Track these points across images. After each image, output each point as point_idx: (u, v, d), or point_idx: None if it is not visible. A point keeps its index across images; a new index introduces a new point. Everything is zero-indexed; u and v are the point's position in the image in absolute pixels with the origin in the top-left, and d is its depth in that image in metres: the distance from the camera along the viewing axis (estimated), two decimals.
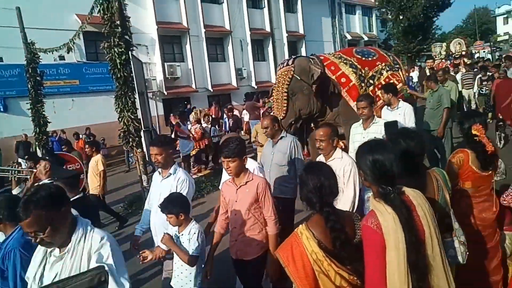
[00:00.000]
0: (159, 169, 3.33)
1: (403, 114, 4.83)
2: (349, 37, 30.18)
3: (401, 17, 30.39)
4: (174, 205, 2.77)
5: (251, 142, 8.72)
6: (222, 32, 20.06)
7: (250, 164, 3.48)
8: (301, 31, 23.95)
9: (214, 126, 11.21)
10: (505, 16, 61.51)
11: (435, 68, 12.07)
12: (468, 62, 14.76)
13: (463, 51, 17.67)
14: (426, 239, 1.74)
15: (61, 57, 13.18)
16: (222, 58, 20.70)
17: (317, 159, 8.29)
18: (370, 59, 6.76)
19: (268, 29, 22.19)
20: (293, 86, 5.83)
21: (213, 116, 14.44)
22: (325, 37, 26.69)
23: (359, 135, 4.18)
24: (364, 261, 1.76)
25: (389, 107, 5.11)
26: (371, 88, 6.57)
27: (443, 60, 16.38)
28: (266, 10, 22.02)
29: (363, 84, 6.31)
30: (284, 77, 5.85)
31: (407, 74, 10.75)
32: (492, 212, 2.94)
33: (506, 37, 47.64)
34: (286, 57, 19.45)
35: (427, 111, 6.39)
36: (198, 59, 18.82)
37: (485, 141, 2.75)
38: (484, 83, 10.44)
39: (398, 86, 6.34)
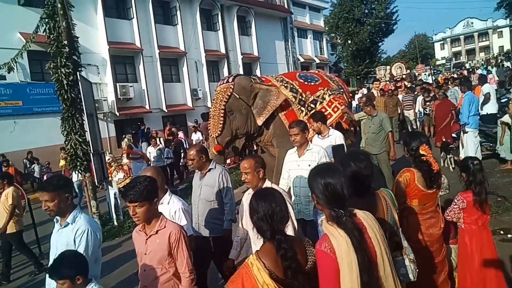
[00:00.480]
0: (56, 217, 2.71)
1: (334, 142, 4.73)
2: (302, 60, 31.30)
3: (349, 42, 32.23)
4: (66, 267, 2.11)
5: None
6: (176, 53, 19.98)
7: (175, 204, 3.17)
8: (256, 53, 24.47)
9: (168, 148, 10.98)
10: (442, 42, 67.37)
11: (383, 89, 12.74)
12: (408, 85, 15.60)
13: (404, 74, 18.82)
14: (378, 260, 1.76)
15: (2, 77, 12.39)
16: (177, 78, 20.54)
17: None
18: (312, 83, 6.73)
19: (223, 50, 22.45)
20: (232, 104, 5.70)
21: (167, 136, 14.20)
22: (279, 60, 27.45)
23: (293, 163, 4.01)
24: (319, 286, 1.74)
25: (319, 136, 4.98)
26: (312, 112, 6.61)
27: (388, 83, 17.25)
28: (221, 32, 22.32)
29: (303, 109, 6.25)
30: (223, 94, 5.72)
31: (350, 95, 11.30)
32: (439, 228, 3.07)
33: (443, 61, 51.83)
34: None
35: (368, 135, 6.36)
36: (152, 79, 18.51)
37: (432, 161, 2.89)
38: (428, 103, 11.09)
39: (340, 109, 6.41)
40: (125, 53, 17.85)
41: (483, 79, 10.02)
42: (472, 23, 64.10)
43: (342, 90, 7.01)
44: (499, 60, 32.69)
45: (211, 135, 5.93)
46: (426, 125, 11.31)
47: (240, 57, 23.35)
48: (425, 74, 27.21)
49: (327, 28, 34.19)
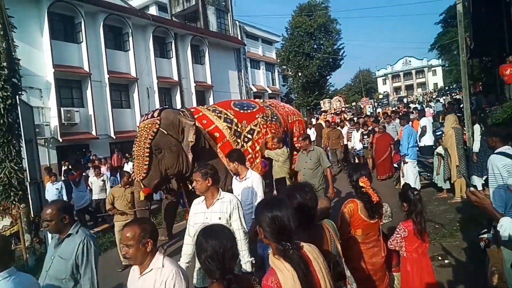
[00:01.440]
0: None
1: (251, 185, 4.07)
2: (254, 90, 31.98)
3: (299, 74, 33.62)
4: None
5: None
6: (127, 79, 19.56)
7: None
8: (209, 82, 24.64)
9: (115, 176, 10.48)
10: (383, 78, 72.44)
11: (330, 121, 13.24)
12: (347, 118, 16.22)
13: (343, 107, 19.81)
14: None
15: None
16: (127, 104, 20.00)
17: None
18: (249, 111, 6.35)
19: (176, 78, 22.36)
20: (159, 141, 5.14)
21: (115, 164, 13.61)
22: (232, 89, 27.83)
23: (200, 215, 3.19)
24: None
25: (237, 177, 4.21)
26: (249, 143, 6.09)
27: (333, 115, 18.02)
28: (174, 60, 22.29)
29: (239, 140, 5.89)
30: (148, 130, 5.11)
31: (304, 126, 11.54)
32: (381, 257, 3.18)
33: (385, 94, 55.54)
34: (195, 105, 19.75)
35: (305, 171, 5.77)
36: (100, 104, 17.84)
37: (371, 192, 3.03)
38: (365, 137, 11.30)
39: (267, 137, 6.12)
40: (72, 77, 17.13)
41: (421, 113, 10.78)
42: (410, 61, 69.98)
43: (275, 117, 6.73)
44: (434, 96, 35.66)
45: (135, 177, 5.27)
46: (368, 157, 11.37)
47: (193, 85, 23.36)
48: (369, 107, 28.88)
49: (278, 61, 35.54)
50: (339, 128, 12.66)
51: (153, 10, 29.33)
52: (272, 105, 7.60)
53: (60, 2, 16.36)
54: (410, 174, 7.84)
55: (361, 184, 3.05)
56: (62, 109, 15.88)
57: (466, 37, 17.28)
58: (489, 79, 18.34)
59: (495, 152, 3.43)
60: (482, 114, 10.41)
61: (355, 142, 11.85)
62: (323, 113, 14.80)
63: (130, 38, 19.52)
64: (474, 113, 10.72)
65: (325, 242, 2.35)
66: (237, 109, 6.25)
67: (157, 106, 20.76)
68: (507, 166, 3.20)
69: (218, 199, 3.18)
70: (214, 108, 6.15)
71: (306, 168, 5.63)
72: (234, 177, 4.31)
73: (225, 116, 5.99)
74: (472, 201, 2.15)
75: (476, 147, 7.15)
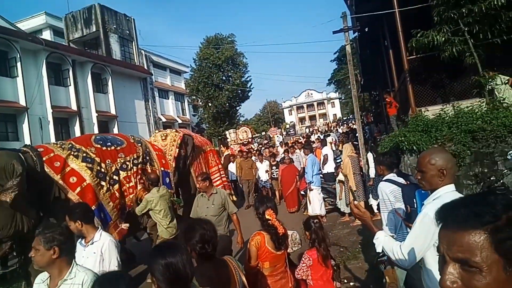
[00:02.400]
0: None
1: (100, 253, 2.92)
2: (164, 119, 31.16)
3: (209, 105, 33.90)
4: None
5: None
6: (15, 108, 17.41)
7: None
8: (113, 112, 23.26)
9: None
10: (289, 109, 77.14)
11: (241, 151, 13.24)
12: (255, 148, 16.14)
13: (249, 138, 19.96)
14: None
15: None
16: (15, 137, 17.70)
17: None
18: (113, 148, 5.51)
19: (74, 107, 20.63)
20: None
21: None
22: (139, 119, 26.69)
23: None
24: None
25: (82, 241, 3.05)
26: (116, 186, 5.21)
27: (240, 145, 18.06)
28: (72, 88, 20.61)
29: (103, 183, 4.98)
30: None
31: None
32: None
33: (292, 124, 59.04)
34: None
35: (207, 218, 5.07)
36: None
37: (277, 224, 3.03)
38: (274, 168, 11.17)
39: (132, 194, 5.30)
40: None
41: (323, 142, 11.52)
42: (311, 94, 76.01)
43: (147, 158, 5.85)
44: (334, 125, 38.93)
45: None
46: (277, 189, 11.09)
47: (95, 115, 21.79)
48: (277, 136, 30.19)
49: (188, 91, 35.45)
50: (252, 158, 12.36)
51: (47, 35, 27.10)
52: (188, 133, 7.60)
53: None
54: (315, 200, 8.20)
55: (267, 216, 3.06)
56: None
57: (356, 73, 19.38)
58: (377, 110, 20.71)
59: (382, 179, 3.72)
60: (373, 143, 11.57)
61: (261, 173, 11.63)
62: (229, 143, 14.76)
63: (18, 64, 17.54)
64: (368, 141, 11.85)
65: (231, 274, 2.31)
66: (99, 146, 5.32)
67: (52, 138, 18.82)
68: (393, 191, 3.46)
69: (65, 280, 2.19)
70: (70, 146, 5.03)
71: (208, 214, 4.56)
72: (78, 240, 3.01)
73: (84, 154, 4.99)
74: (355, 213, 2.23)
75: (372, 173, 7.83)
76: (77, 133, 20.41)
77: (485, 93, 7.04)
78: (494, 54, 7.27)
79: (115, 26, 25.96)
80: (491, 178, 6.04)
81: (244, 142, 18.67)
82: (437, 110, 7.54)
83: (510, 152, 6.16)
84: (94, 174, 4.89)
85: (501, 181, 5.92)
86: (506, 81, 6.96)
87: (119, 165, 5.27)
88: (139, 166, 5.51)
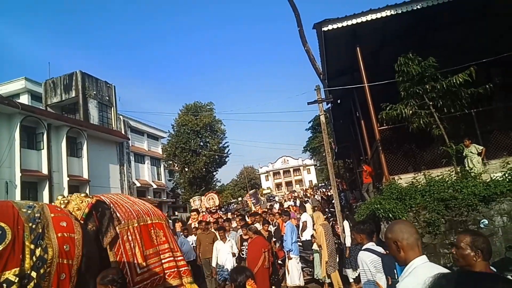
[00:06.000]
0: None
1: None
2: (138, 184, 30.50)
3: (186, 170, 33.74)
4: None
5: None
6: None
7: None
8: (86, 176, 22.62)
9: None
10: (266, 174, 77.57)
11: (203, 220, 11.44)
12: (224, 217, 13.24)
13: (216, 206, 18.16)
14: None
15: None
16: None
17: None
18: None
19: (45, 171, 19.98)
20: None
21: None
22: (112, 183, 25.99)
23: None
24: None
25: None
26: None
27: (205, 213, 16.13)
28: (44, 152, 20.14)
29: None
30: None
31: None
32: None
33: (268, 190, 58.91)
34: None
35: None
36: None
37: None
38: (245, 243, 8.29)
39: None
40: None
41: (302, 208, 11.37)
42: (288, 160, 77.28)
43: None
44: (312, 192, 38.99)
45: None
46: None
47: (66, 179, 21.08)
48: (254, 201, 29.71)
49: (165, 156, 35.36)
50: (213, 230, 9.34)
51: (25, 99, 27.15)
52: (113, 199, 5.76)
53: None
54: (294, 270, 7.88)
55: (248, 286, 2.88)
56: None
57: (331, 142, 20.04)
58: (352, 177, 21.09)
59: (362, 248, 3.65)
60: (348, 210, 11.58)
61: (222, 256, 8.42)
62: (192, 212, 12.86)
63: None
64: (344, 209, 11.87)
65: None
66: None
67: None
68: (374, 262, 3.39)
69: None
70: None
71: None
72: None
73: None
74: None
75: (348, 241, 7.69)
76: (46, 197, 19.56)
77: (453, 162, 7.36)
78: (458, 125, 7.78)
79: (95, 92, 26.35)
80: None
81: (212, 210, 16.93)
82: (409, 178, 7.76)
83: (482, 221, 6.29)
84: None
85: None
86: (480, 151, 7.35)
87: None
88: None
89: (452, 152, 7.19)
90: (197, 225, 10.64)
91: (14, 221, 3.60)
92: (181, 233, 10.00)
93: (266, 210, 15.20)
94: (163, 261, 6.13)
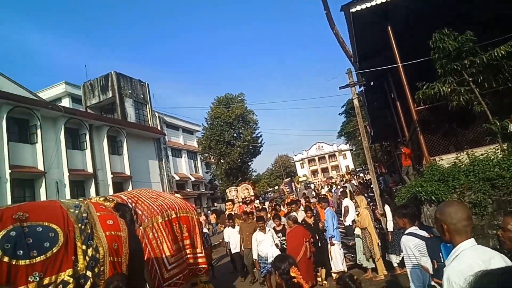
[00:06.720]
0: None
1: None
2: (177, 178, 31.40)
3: (222, 161, 34.24)
4: None
5: None
6: (33, 173, 17.83)
7: None
8: (128, 172, 23.60)
9: None
10: (301, 162, 77.14)
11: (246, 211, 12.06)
12: (259, 207, 14.32)
13: (252, 196, 18.44)
14: None
15: None
16: (32, 201, 17.92)
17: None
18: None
19: (90, 170, 21.05)
20: None
21: None
22: (153, 178, 26.93)
23: None
24: None
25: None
26: None
27: (241, 204, 16.11)
28: (88, 151, 21.20)
29: None
30: None
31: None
32: None
33: (304, 178, 58.62)
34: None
35: None
36: None
37: (302, 281, 2.89)
38: (279, 234, 8.11)
39: None
40: None
41: (343, 194, 11.16)
42: (322, 146, 76.36)
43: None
44: (348, 178, 38.40)
45: None
46: None
47: (110, 176, 22.12)
48: (288, 189, 29.73)
49: (200, 149, 36.08)
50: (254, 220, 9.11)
51: (66, 102, 28.56)
52: (134, 197, 5.85)
53: None
54: (337, 256, 7.84)
55: (292, 274, 2.90)
56: None
57: (366, 125, 19.56)
58: (390, 160, 20.55)
59: (405, 233, 3.59)
60: (387, 195, 11.31)
61: (264, 248, 8.00)
62: (227, 202, 13.27)
63: (38, 131, 18.29)
64: (383, 193, 11.62)
65: None
66: None
67: None
68: (418, 246, 3.33)
69: None
70: None
71: None
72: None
73: None
74: None
75: (390, 226, 7.56)
76: (93, 194, 20.63)
77: (499, 140, 7.00)
78: (501, 101, 7.36)
79: (130, 91, 27.26)
80: None
81: (246, 201, 17.09)
82: (451, 159, 7.48)
83: None
84: None
85: None
86: None
87: None
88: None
89: (497, 129, 6.82)
90: (227, 217, 10.72)
91: (64, 222, 3.67)
92: (217, 225, 10.18)
93: (299, 199, 14.80)
94: (187, 256, 6.27)
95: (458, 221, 1.85)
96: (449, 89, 6.97)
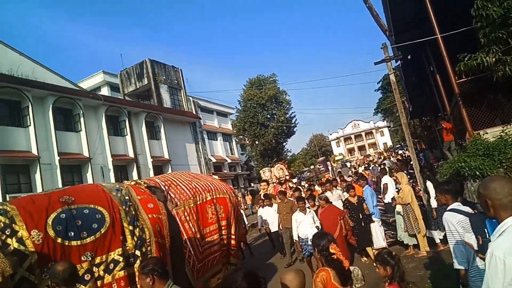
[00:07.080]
0: None
1: None
2: (214, 160, 32.10)
3: (256, 143, 34.47)
4: None
5: None
6: (79, 159, 18.89)
7: None
8: (166, 156, 24.42)
9: None
10: (336, 141, 76.00)
11: (272, 192, 11.99)
12: (293, 187, 14.01)
13: (286, 175, 18.51)
14: None
15: None
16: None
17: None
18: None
19: (131, 155, 21.97)
20: None
21: None
22: (190, 161, 27.71)
23: None
24: None
25: None
26: None
27: (275, 184, 15.75)
28: (129, 137, 22.09)
29: None
30: None
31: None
32: None
33: (341, 157, 57.92)
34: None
35: None
36: (50, 188, 16.80)
37: (342, 258, 2.96)
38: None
39: None
40: (17, 161, 16.28)
41: (383, 171, 10.94)
42: (358, 124, 74.65)
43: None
44: (386, 155, 37.54)
45: None
46: None
47: (150, 160, 23.00)
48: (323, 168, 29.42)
49: (235, 131, 36.47)
50: (291, 198, 9.44)
51: (105, 91, 29.69)
52: (168, 180, 6.00)
53: (6, 88, 16.09)
54: (378, 233, 7.82)
55: (332, 250, 2.97)
56: (7, 196, 14.78)
57: (404, 101, 18.90)
58: (431, 136, 19.84)
59: (447, 209, 3.53)
60: (429, 171, 10.99)
61: (304, 229, 7.64)
62: (262, 183, 13.58)
63: (82, 119, 19.27)
64: (424, 169, 11.32)
65: None
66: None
67: None
68: (461, 222, 3.27)
69: None
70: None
71: None
72: None
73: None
74: None
75: (433, 203, 7.39)
76: (135, 177, 21.59)
77: None
78: None
79: (164, 78, 27.86)
80: None
81: (281, 181, 17.13)
82: (497, 132, 7.15)
83: None
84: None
85: None
86: None
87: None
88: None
89: None
90: (263, 197, 10.75)
91: (109, 204, 3.85)
92: (253, 206, 10.29)
93: (335, 177, 14.62)
94: (222, 237, 6.29)
95: (504, 196, 1.81)
96: (494, 59, 6.58)
